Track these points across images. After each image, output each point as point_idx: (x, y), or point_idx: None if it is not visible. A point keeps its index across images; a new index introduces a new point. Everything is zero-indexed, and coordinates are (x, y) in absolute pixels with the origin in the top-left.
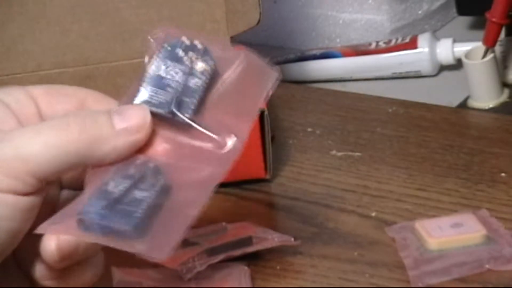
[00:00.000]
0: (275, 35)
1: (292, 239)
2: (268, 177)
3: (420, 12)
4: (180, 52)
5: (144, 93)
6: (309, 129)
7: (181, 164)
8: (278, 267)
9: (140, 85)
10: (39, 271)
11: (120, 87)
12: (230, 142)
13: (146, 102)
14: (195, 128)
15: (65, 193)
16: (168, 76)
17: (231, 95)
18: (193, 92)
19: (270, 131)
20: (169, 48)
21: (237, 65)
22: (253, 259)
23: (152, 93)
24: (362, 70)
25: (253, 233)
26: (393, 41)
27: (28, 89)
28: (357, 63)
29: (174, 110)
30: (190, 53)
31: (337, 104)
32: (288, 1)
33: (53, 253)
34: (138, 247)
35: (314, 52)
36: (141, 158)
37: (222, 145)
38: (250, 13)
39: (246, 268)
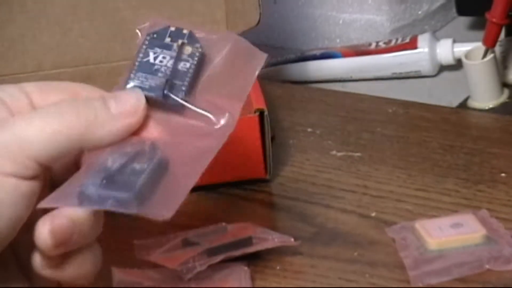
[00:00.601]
0: (275, 35)
1: (292, 239)
2: (268, 177)
3: (420, 12)
4: (167, 39)
5: (135, 79)
6: (309, 129)
7: (176, 141)
8: (278, 267)
9: (131, 73)
10: (37, 261)
11: None
12: (223, 119)
13: (138, 87)
14: (188, 108)
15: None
16: (157, 62)
17: (221, 77)
18: (183, 75)
19: (270, 131)
20: (155, 35)
21: (226, 48)
22: (253, 259)
23: (143, 79)
24: (362, 70)
25: (253, 233)
26: (393, 41)
27: (21, 85)
28: (357, 63)
29: (167, 92)
30: (177, 39)
31: (337, 104)
32: (288, 1)
33: (47, 238)
34: (139, 210)
35: (314, 52)
36: (136, 139)
37: (215, 122)
38: (250, 13)
39: (246, 268)
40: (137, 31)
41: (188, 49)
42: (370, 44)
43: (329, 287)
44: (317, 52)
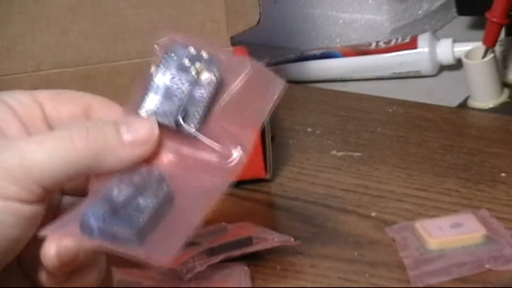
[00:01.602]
0: (275, 35)
1: (292, 239)
2: (268, 177)
3: (420, 12)
4: (186, 62)
5: (149, 102)
6: (309, 129)
7: (185, 174)
8: (278, 267)
9: (145, 94)
10: (43, 277)
11: (120, 87)
12: (236, 154)
13: (152, 112)
14: (201, 139)
15: (67, 199)
16: (174, 86)
17: (237, 105)
18: (198, 102)
19: (270, 131)
20: (175, 57)
21: (243, 75)
22: (253, 259)
23: (157, 102)
24: (362, 70)
25: (253, 233)
26: (393, 41)
27: (33, 93)
28: (357, 63)
29: (180, 120)
30: (196, 63)
31: (337, 104)
32: (288, 1)
33: (53, 259)
34: (138, 252)
35: (314, 52)
36: (145, 167)
37: (227, 156)
38: (250, 13)
39: (246, 268)
40: (155, 46)
41: (205, 75)
42: (370, 44)
43: (329, 287)
44: (317, 52)
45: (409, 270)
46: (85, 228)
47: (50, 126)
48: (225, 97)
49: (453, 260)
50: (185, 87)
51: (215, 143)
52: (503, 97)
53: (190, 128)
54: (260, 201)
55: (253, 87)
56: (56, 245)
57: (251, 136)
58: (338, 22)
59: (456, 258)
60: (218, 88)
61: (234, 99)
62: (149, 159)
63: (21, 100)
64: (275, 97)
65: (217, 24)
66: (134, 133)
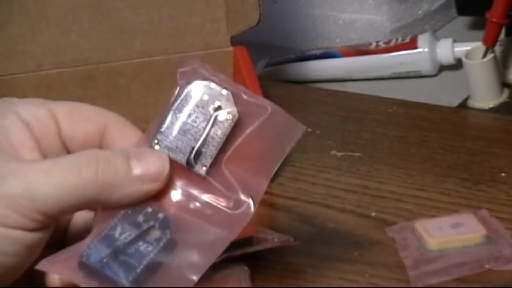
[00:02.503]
0: (275, 35)
1: (292, 239)
2: None
3: (420, 12)
4: (205, 96)
5: (164, 135)
6: (309, 129)
7: (190, 220)
8: (278, 267)
9: (161, 126)
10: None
11: (120, 87)
12: (245, 204)
13: (165, 146)
14: (211, 182)
15: (79, 214)
16: (190, 121)
17: (251, 150)
18: (213, 142)
19: None
20: (194, 90)
21: (262, 119)
22: (253, 259)
23: (171, 137)
24: (362, 70)
25: (253, 233)
26: (393, 41)
27: (51, 107)
28: (357, 63)
29: (191, 161)
30: (215, 100)
31: (337, 104)
32: (288, 1)
33: (56, 283)
34: None
35: (314, 52)
36: (152, 206)
37: (235, 205)
38: (250, 13)
39: (246, 268)
40: (178, 75)
41: (223, 114)
42: (370, 44)
43: (329, 287)
44: (317, 52)
45: (409, 270)
46: (83, 268)
47: (64, 143)
48: (240, 140)
49: (453, 260)
50: (201, 126)
51: (225, 190)
52: (503, 97)
53: (201, 170)
54: (260, 201)
55: (270, 133)
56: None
57: (263, 187)
58: (338, 22)
59: (456, 258)
60: (235, 128)
61: (250, 143)
62: (158, 195)
63: (37, 115)
64: (292, 144)
65: (217, 24)
66: (145, 167)
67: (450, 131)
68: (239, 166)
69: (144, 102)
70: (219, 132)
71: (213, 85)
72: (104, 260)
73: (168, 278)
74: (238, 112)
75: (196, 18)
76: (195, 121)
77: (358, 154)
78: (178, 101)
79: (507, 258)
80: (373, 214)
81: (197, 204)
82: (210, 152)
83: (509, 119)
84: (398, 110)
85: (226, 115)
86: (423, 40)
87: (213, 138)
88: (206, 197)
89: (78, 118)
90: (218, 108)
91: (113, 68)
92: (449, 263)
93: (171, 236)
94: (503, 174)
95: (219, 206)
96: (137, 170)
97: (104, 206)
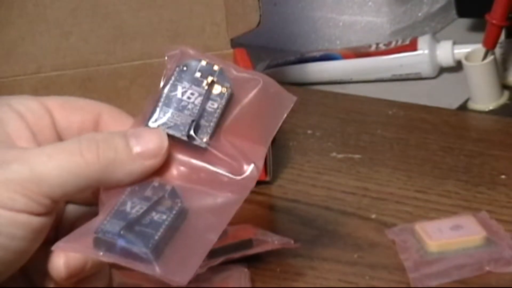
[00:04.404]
0: (275, 37)
1: (292, 241)
2: (268, 179)
3: (420, 14)
4: (197, 73)
5: (160, 114)
6: (309, 131)
7: (198, 188)
8: (278, 270)
9: (156, 106)
10: (49, 284)
11: (120, 89)
12: (249, 169)
13: (162, 124)
14: (212, 153)
15: (70, 207)
16: (185, 98)
17: (247, 121)
18: (210, 115)
19: None
20: (185, 68)
21: (255, 91)
22: (253, 261)
23: (169, 115)
24: (362, 72)
25: (253, 235)
26: (393, 43)
27: (43, 100)
28: (357, 65)
29: (192, 134)
30: (208, 75)
31: (337, 106)
32: (288, 3)
33: (61, 270)
34: (156, 270)
35: (314, 54)
36: (157, 181)
37: (239, 171)
38: (250, 15)
39: (246, 270)
40: (166, 57)
41: (217, 88)
42: (370, 46)
43: None
44: (317, 54)
45: (409, 273)
46: (100, 244)
47: (59, 134)
48: (236, 112)
49: (453, 263)
50: (196, 99)
51: (227, 158)
52: (503, 99)
53: (202, 141)
54: (260, 203)
55: (264, 103)
56: (64, 256)
57: (263, 154)
58: (338, 25)
59: (456, 260)
60: (230, 102)
61: (245, 114)
62: (160, 171)
63: (31, 107)
64: (285, 113)
65: (217, 27)
66: (144, 145)
67: (450, 133)
68: (237, 137)
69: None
70: (215, 106)
71: (203, 62)
72: (121, 232)
73: (188, 241)
74: (232, 85)
75: (196, 20)
76: (190, 98)
77: (358, 156)
78: (171, 82)
79: (507, 260)
80: (373, 216)
81: (202, 174)
82: (208, 124)
83: (509, 121)
84: (398, 112)
85: (220, 89)
86: (423, 42)
87: (210, 111)
88: (209, 167)
89: (71, 109)
90: (212, 83)
91: (113, 71)
92: (449, 265)
93: (182, 205)
94: (503, 176)
95: (224, 174)
96: (136, 148)
97: (108, 186)
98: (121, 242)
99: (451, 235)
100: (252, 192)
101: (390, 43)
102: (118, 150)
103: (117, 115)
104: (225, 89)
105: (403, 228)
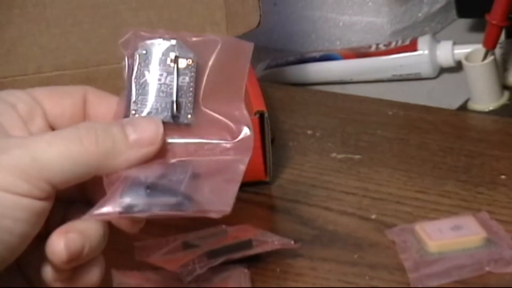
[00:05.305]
0: (275, 37)
1: (292, 241)
2: (268, 179)
3: (420, 14)
4: (159, 54)
5: (138, 103)
6: (309, 132)
7: (201, 160)
8: (278, 270)
9: (131, 97)
10: (48, 275)
11: (120, 89)
12: (241, 130)
13: (147, 114)
14: (201, 126)
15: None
16: (156, 81)
17: (219, 82)
18: (185, 90)
19: (270, 133)
20: (145, 52)
21: (216, 52)
22: (253, 261)
23: (146, 102)
24: (362, 73)
25: (253, 236)
26: (393, 44)
27: (31, 92)
28: (357, 66)
29: (176, 113)
30: (169, 52)
31: (337, 106)
32: (288, 3)
33: (62, 253)
34: (194, 210)
35: (314, 54)
36: (159, 161)
37: (233, 134)
38: (250, 15)
39: (246, 270)
40: (119, 45)
41: (182, 62)
42: (370, 46)
43: None
44: (317, 54)
45: (409, 273)
46: (129, 209)
47: (50, 124)
48: (206, 79)
49: (453, 263)
50: (168, 80)
51: (216, 127)
52: (503, 100)
53: (187, 119)
54: (260, 203)
55: (227, 60)
56: (64, 238)
57: (243, 109)
58: (338, 25)
59: (456, 260)
60: (197, 69)
61: (215, 77)
62: (158, 157)
63: (22, 98)
64: (248, 60)
65: (217, 26)
66: (140, 133)
67: (450, 134)
68: (215, 101)
69: None
70: (186, 79)
71: (159, 40)
72: (148, 192)
73: (214, 185)
74: (194, 53)
75: (196, 20)
76: (160, 79)
77: (358, 156)
78: (136, 69)
79: (507, 260)
80: (373, 216)
81: (198, 149)
82: (187, 100)
83: (509, 121)
84: (398, 113)
85: (185, 61)
86: (423, 43)
87: (183, 87)
88: (203, 140)
89: (59, 95)
90: (175, 58)
91: (113, 70)
92: (449, 265)
93: (193, 169)
94: (503, 177)
95: (220, 142)
96: (133, 136)
97: (106, 173)
98: (152, 199)
99: (451, 235)
100: (252, 192)
101: (390, 43)
102: (116, 139)
103: (102, 94)
104: (190, 60)
105: (403, 228)
